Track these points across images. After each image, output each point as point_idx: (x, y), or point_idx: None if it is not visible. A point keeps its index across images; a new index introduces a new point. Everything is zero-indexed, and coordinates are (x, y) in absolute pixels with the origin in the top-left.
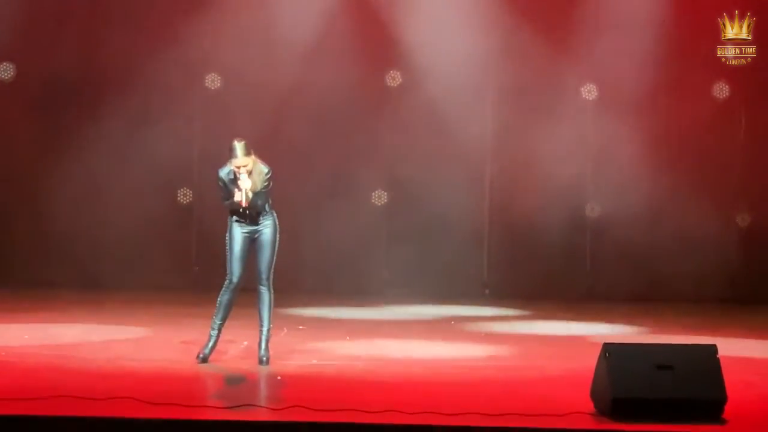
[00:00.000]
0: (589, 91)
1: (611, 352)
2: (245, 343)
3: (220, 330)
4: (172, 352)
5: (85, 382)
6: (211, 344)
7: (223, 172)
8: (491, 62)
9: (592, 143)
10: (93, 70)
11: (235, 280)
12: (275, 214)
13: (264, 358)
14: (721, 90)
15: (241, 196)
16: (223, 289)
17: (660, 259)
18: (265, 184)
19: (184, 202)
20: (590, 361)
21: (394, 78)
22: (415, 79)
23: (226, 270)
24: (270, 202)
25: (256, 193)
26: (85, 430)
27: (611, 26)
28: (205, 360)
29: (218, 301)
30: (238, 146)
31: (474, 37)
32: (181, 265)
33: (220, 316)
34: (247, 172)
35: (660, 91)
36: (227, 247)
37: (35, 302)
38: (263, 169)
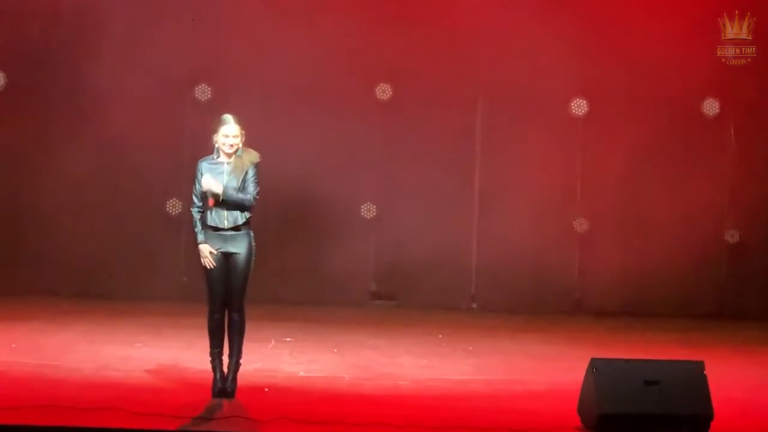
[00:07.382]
0: (579, 106)
1: (598, 367)
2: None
3: (220, 358)
4: (160, 363)
5: (71, 392)
6: (217, 376)
7: (203, 161)
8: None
9: (579, 156)
10: (85, 80)
11: (216, 313)
12: (252, 235)
13: (229, 390)
14: (711, 107)
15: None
16: (208, 316)
17: (648, 274)
18: (255, 165)
19: (173, 212)
20: (577, 376)
21: (384, 91)
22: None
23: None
24: (250, 215)
25: (243, 178)
26: None
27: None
28: (221, 394)
29: (208, 330)
30: (229, 116)
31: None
32: (170, 276)
33: (214, 344)
34: (240, 143)
35: (650, 101)
36: (204, 273)
37: (21, 311)
38: (254, 153)
